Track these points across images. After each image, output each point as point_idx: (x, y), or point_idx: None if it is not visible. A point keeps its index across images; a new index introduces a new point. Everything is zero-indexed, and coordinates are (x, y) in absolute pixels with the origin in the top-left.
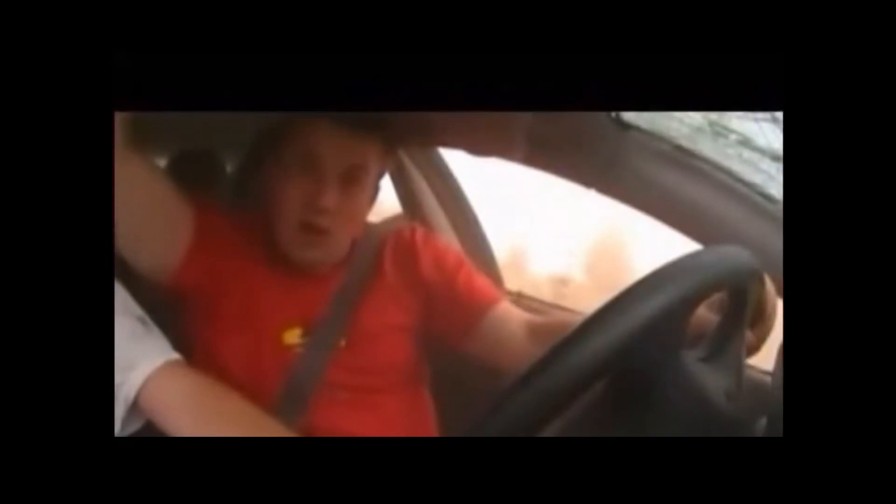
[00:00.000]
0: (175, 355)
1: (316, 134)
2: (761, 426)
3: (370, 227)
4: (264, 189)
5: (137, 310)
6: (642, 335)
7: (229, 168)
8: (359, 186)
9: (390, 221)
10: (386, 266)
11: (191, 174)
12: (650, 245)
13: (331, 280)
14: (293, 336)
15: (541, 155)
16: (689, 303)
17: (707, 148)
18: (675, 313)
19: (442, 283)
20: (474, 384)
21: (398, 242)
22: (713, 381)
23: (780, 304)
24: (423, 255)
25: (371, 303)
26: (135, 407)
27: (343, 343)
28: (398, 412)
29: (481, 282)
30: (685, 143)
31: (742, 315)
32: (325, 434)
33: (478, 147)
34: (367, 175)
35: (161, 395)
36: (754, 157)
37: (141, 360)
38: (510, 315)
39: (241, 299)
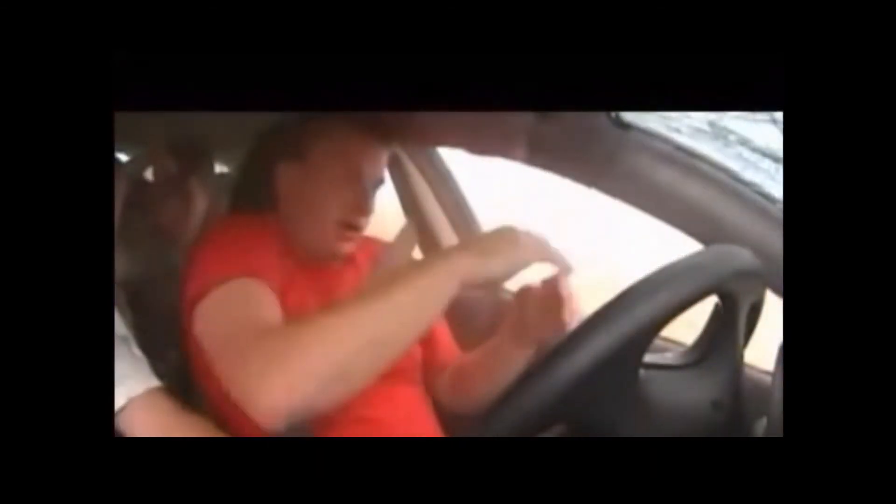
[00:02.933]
0: (154, 382)
1: (357, 150)
2: (761, 426)
3: (389, 248)
4: (290, 191)
5: (122, 329)
6: (591, 374)
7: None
8: (378, 189)
9: (404, 238)
10: None
11: (177, 162)
12: (652, 244)
13: (343, 274)
14: None
15: (541, 155)
16: (652, 327)
17: (707, 148)
18: (637, 339)
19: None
20: None
21: None
22: (698, 389)
23: None
24: None
25: None
26: None
27: None
28: (415, 400)
29: (450, 339)
30: (685, 142)
31: (734, 319)
32: (348, 421)
33: (478, 147)
34: (383, 179)
35: (134, 421)
36: (754, 156)
37: (119, 385)
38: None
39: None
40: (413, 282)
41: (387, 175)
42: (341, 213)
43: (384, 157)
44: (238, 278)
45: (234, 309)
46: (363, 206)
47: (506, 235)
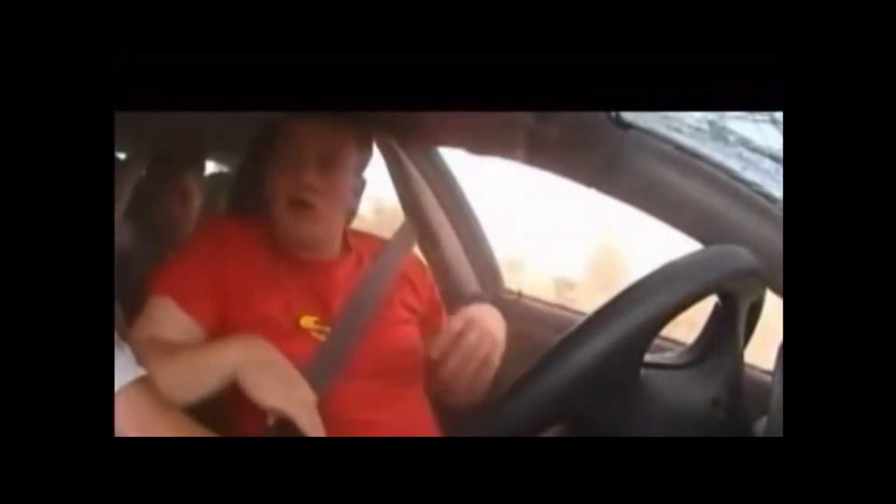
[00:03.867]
0: (140, 371)
1: (298, 128)
2: (761, 426)
3: (388, 244)
4: (263, 186)
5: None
6: (590, 373)
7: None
8: (335, 168)
9: (402, 236)
10: (403, 278)
11: (172, 169)
12: (655, 243)
13: (338, 271)
14: (308, 322)
15: (541, 155)
16: (652, 327)
17: (707, 148)
18: (637, 339)
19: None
20: None
21: (414, 266)
22: (698, 389)
23: None
24: (433, 291)
25: (391, 298)
26: None
27: (364, 332)
28: (413, 400)
29: None
30: (685, 142)
31: (734, 318)
32: (346, 423)
33: (478, 147)
34: (342, 158)
35: (122, 411)
36: (754, 156)
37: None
38: None
39: (253, 294)
40: (202, 355)
41: (387, 175)
42: (288, 192)
43: (336, 134)
44: (161, 296)
45: (148, 321)
46: (301, 180)
47: (285, 382)
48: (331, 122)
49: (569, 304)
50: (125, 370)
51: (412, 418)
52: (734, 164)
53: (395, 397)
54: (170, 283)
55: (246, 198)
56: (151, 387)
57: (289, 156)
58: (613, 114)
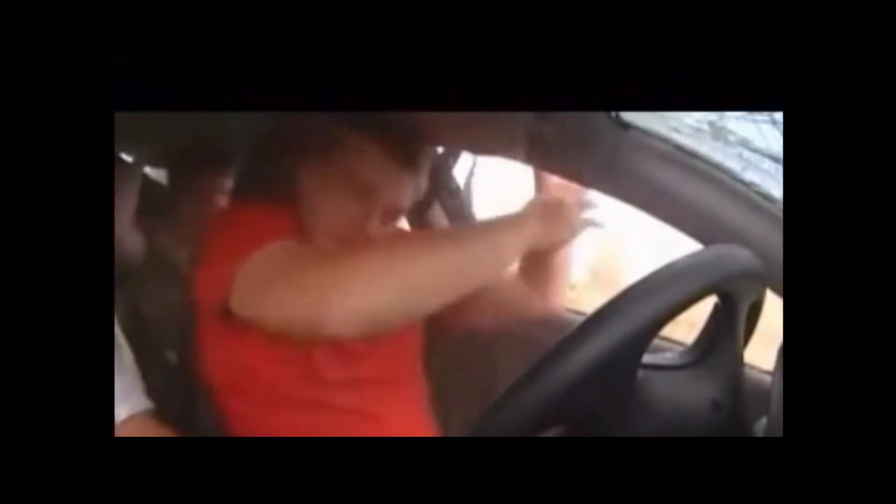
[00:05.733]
0: (148, 404)
1: (371, 165)
2: (761, 426)
3: None
4: (301, 192)
5: (119, 337)
6: (588, 377)
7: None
8: (395, 217)
9: None
10: None
11: (198, 162)
12: (655, 243)
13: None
14: None
15: (540, 154)
16: (651, 328)
17: (707, 148)
18: (637, 340)
19: None
20: (475, 382)
21: None
22: (698, 389)
23: None
24: None
25: None
26: None
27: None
28: (412, 397)
29: None
30: (685, 142)
31: (734, 319)
32: (343, 410)
33: (478, 146)
34: (405, 209)
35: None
36: (754, 156)
37: (121, 402)
38: None
39: None
40: (488, 234)
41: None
42: (345, 230)
43: (406, 183)
44: (281, 240)
45: (285, 254)
46: (365, 230)
47: (558, 204)
48: (401, 166)
49: (569, 304)
50: (134, 396)
51: (409, 413)
52: (734, 165)
53: (393, 393)
54: (269, 234)
55: (250, 196)
56: (151, 418)
57: (358, 197)
58: (613, 114)
